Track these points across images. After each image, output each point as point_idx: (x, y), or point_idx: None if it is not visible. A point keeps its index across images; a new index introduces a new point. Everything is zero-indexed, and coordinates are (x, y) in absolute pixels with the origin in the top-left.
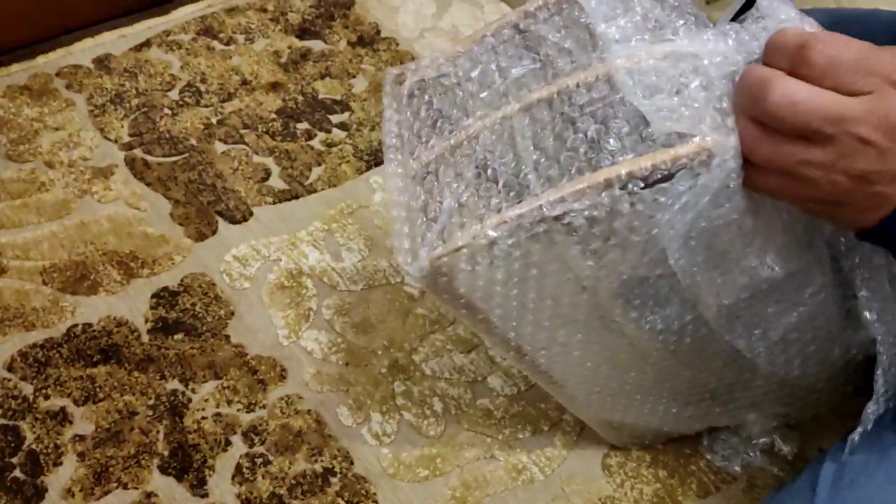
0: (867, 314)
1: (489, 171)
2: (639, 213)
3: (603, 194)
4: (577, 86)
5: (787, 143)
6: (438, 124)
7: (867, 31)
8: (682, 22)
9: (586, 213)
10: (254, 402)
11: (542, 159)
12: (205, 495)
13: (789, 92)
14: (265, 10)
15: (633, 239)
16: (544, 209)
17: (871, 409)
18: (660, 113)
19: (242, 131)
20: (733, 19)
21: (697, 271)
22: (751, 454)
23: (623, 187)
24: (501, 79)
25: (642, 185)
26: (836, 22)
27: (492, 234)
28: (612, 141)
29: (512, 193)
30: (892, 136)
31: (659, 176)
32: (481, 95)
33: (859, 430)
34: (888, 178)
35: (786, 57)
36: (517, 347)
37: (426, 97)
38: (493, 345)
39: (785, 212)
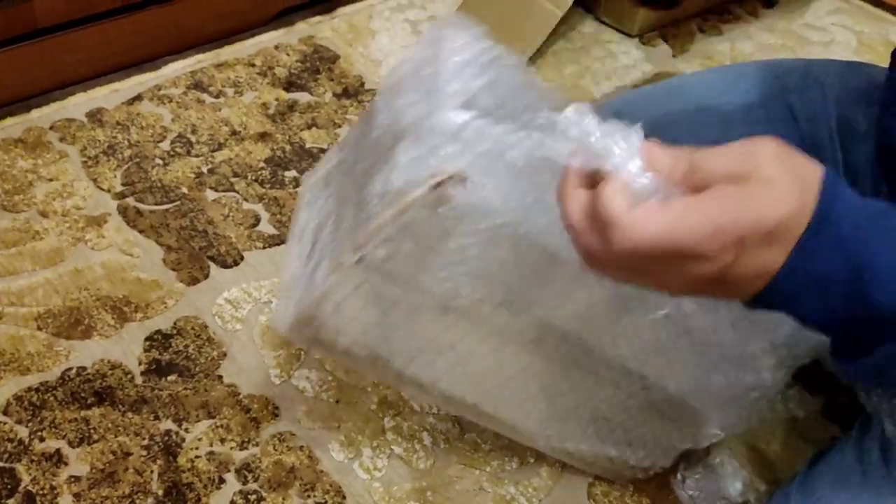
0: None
1: (312, 237)
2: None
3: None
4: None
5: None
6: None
7: (694, 127)
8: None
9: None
10: (247, 439)
11: (340, 221)
12: None
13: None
14: (253, 65)
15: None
16: (343, 262)
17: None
18: (407, 163)
19: (233, 179)
20: None
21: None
22: None
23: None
24: (345, 157)
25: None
26: (664, 124)
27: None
28: (384, 188)
29: (323, 257)
30: (725, 244)
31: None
32: (335, 175)
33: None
34: (734, 276)
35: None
36: (417, 381)
37: (329, 187)
38: (397, 385)
39: None
